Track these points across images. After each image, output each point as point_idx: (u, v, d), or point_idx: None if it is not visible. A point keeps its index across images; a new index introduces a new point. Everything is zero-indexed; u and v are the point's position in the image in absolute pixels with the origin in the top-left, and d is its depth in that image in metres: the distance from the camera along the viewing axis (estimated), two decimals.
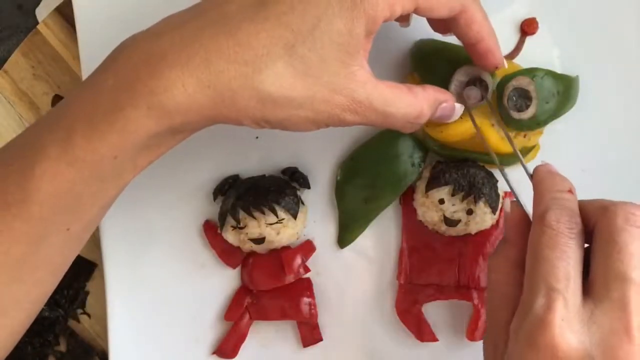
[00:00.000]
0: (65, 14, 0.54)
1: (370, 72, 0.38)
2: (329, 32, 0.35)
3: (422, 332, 0.49)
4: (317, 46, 0.35)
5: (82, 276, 0.53)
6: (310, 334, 0.50)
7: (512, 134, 0.47)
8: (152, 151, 0.38)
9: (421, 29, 0.49)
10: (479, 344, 0.49)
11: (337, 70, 0.36)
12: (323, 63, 0.36)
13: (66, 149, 0.36)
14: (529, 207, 0.43)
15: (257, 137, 0.50)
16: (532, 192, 0.43)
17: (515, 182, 0.49)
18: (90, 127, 0.36)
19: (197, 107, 0.35)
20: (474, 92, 0.45)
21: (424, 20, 0.49)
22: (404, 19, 0.43)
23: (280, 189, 0.48)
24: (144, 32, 0.38)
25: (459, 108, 0.44)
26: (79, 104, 0.37)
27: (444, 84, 0.46)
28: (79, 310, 0.53)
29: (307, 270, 0.50)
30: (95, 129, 0.35)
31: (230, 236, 0.49)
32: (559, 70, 0.48)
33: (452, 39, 0.49)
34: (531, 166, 0.48)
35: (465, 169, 0.47)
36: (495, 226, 0.48)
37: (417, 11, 0.39)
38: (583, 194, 0.49)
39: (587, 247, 0.37)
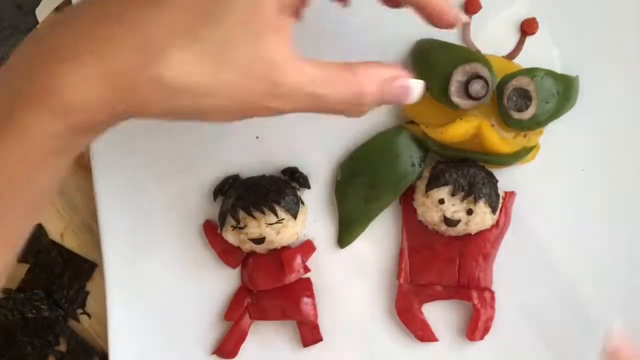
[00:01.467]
0: None
1: (293, 51, 0.34)
2: (231, 11, 0.32)
3: (422, 332, 0.49)
4: (221, 27, 0.32)
5: (82, 276, 0.53)
6: (310, 334, 0.50)
7: (512, 134, 0.47)
8: (63, 154, 0.34)
9: (421, 29, 0.49)
10: (479, 344, 0.49)
11: (247, 52, 0.33)
12: (229, 45, 0.33)
13: None
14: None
15: (257, 137, 0.50)
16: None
17: (516, 182, 0.49)
18: None
19: (97, 103, 0.33)
20: (476, 86, 0.45)
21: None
22: None
23: (280, 189, 0.48)
24: (47, 20, 0.35)
25: (418, 86, 0.39)
26: None
27: (445, 84, 0.46)
28: (79, 310, 0.53)
29: (307, 270, 0.50)
30: None
31: (230, 236, 0.49)
32: (559, 70, 0.48)
33: (452, 39, 0.49)
34: (532, 166, 0.49)
35: (465, 169, 0.47)
36: (495, 226, 0.48)
37: None
38: (583, 194, 0.49)
39: None
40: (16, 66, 0.34)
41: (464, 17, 0.38)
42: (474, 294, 0.49)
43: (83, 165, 0.52)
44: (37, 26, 0.35)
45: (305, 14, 0.50)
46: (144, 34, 0.32)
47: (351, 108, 0.37)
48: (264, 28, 0.33)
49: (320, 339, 0.50)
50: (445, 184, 0.47)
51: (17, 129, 0.32)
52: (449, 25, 0.40)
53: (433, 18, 0.39)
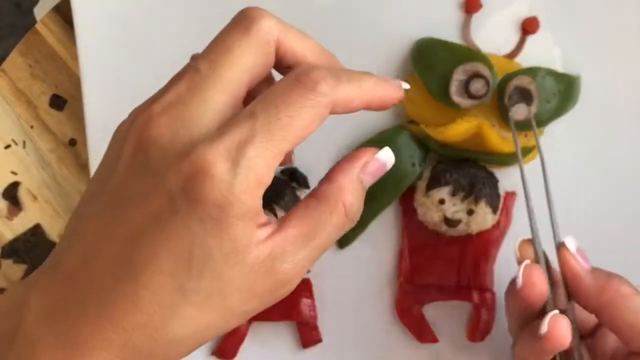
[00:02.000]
0: (63, 13, 0.54)
1: (268, 232, 0.33)
2: (206, 256, 0.31)
3: (422, 332, 0.49)
4: (204, 274, 0.31)
5: None
6: (310, 335, 0.50)
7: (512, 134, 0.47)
8: None
9: (421, 29, 0.49)
10: (480, 345, 0.49)
11: (238, 276, 0.32)
12: (220, 281, 0.32)
13: None
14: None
15: None
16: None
17: (517, 182, 0.49)
18: None
19: None
20: (477, 85, 0.45)
21: (424, 19, 0.49)
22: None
23: (279, 188, 0.48)
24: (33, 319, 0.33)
25: (389, 157, 0.37)
26: None
27: (445, 83, 0.46)
28: None
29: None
30: None
31: None
32: (560, 70, 0.48)
33: (452, 38, 0.49)
34: (531, 166, 0.48)
35: (465, 169, 0.47)
36: (496, 226, 0.48)
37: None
38: (583, 194, 0.49)
39: None
40: None
41: (405, 85, 0.37)
42: (475, 295, 0.49)
43: (82, 166, 0.52)
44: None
45: (306, 15, 0.50)
46: (136, 311, 0.31)
47: (348, 223, 0.35)
48: (245, 249, 0.32)
49: (320, 340, 0.50)
50: (446, 184, 0.47)
51: None
52: (397, 102, 0.38)
53: (382, 107, 0.37)
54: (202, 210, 0.31)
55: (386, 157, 0.36)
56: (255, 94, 0.33)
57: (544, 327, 0.38)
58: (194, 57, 0.34)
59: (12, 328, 0.32)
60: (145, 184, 0.32)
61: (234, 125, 0.32)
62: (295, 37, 0.35)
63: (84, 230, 0.33)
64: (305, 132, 0.33)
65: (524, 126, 0.46)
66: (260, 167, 0.31)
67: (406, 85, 0.37)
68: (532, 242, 0.41)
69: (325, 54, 0.36)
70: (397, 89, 0.36)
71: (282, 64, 0.35)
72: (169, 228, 0.31)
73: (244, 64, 0.33)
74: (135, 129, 0.33)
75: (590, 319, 0.42)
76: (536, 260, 0.41)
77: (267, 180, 0.32)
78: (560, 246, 0.41)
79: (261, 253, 0.32)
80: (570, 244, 0.41)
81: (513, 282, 0.41)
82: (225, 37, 0.34)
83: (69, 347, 0.31)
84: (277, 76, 0.35)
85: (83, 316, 0.31)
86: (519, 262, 0.41)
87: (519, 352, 0.41)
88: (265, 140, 0.31)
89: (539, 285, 0.39)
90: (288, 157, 0.38)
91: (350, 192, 0.35)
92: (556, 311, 0.39)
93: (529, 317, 0.41)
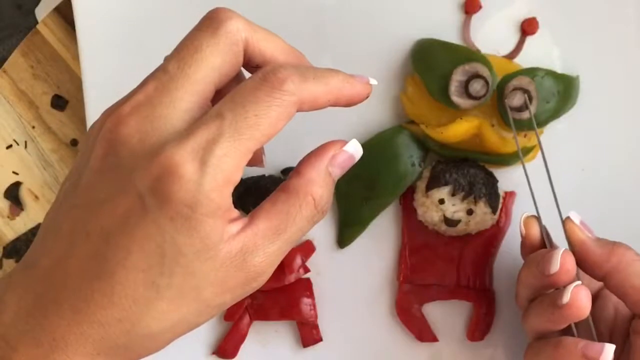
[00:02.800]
0: (64, 13, 0.54)
1: (239, 227, 0.33)
2: (178, 253, 0.32)
3: (422, 332, 0.49)
4: (177, 270, 0.32)
5: None
6: (310, 334, 0.50)
7: (512, 134, 0.47)
8: None
9: (421, 29, 0.49)
10: (480, 344, 0.49)
11: (210, 271, 0.32)
12: (192, 277, 0.32)
13: None
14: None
15: None
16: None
17: (516, 182, 0.49)
18: None
19: None
20: (476, 85, 0.45)
21: (424, 19, 0.49)
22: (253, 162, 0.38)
23: None
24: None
25: (357, 149, 0.37)
26: None
27: (445, 83, 0.46)
28: None
29: (307, 270, 0.50)
30: None
31: None
32: (559, 70, 0.48)
33: (452, 39, 0.49)
34: (531, 166, 0.48)
35: (465, 169, 0.47)
36: (495, 226, 0.48)
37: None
38: (583, 194, 0.49)
39: None
40: None
41: (372, 81, 0.37)
42: (474, 294, 0.49)
43: None
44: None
45: (305, 15, 0.50)
46: (112, 305, 0.32)
47: (319, 214, 0.35)
48: (213, 246, 0.32)
49: (320, 339, 0.50)
50: (446, 184, 0.47)
51: None
52: (365, 99, 0.38)
53: (350, 104, 0.37)
54: (172, 210, 0.31)
55: (354, 149, 0.37)
56: (225, 94, 0.34)
57: (566, 297, 0.39)
58: (166, 59, 0.34)
59: None
60: (115, 184, 0.32)
61: (201, 125, 0.32)
62: (264, 37, 0.35)
63: (59, 230, 0.33)
64: (273, 130, 0.33)
65: (523, 126, 0.46)
66: (228, 166, 0.32)
67: (373, 81, 0.37)
68: (536, 217, 0.44)
69: (294, 53, 0.37)
70: (364, 86, 0.37)
71: (251, 64, 0.35)
72: (141, 227, 0.31)
73: (211, 64, 0.34)
74: (105, 129, 0.33)
75: (590, 287, 0.43)
76: (541, 235, 0.43)
77: (236, 178, 0.33)
78: (566, 219, 0.43)
79: (232, 248, 0.33)
80: (575, 217, 0.43)
81: (533, 259, 0.42)
82: (193, 38, 0.34)
83: (46, 344, 0.32)
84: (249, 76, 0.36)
85: (59, 313, 0.32)
86: (523, 235, 0.44)
87: (532, 320, 0.42)
88: (233, 139, 0.32)
89: (572, 271, 0.41)
90: (259, 159, 0.39)
91: (319, 184, 0.35)
92: (578, 282, 0.40)
93: (544, 290, 0.42)
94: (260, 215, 0.34)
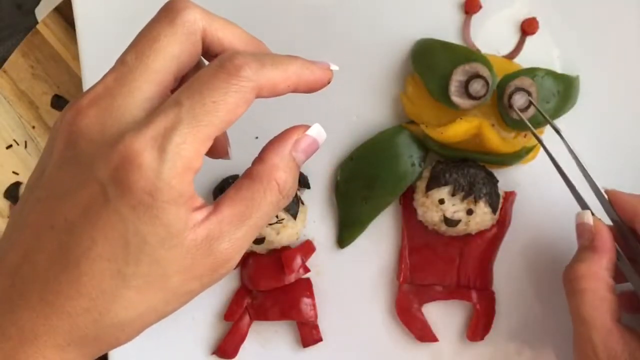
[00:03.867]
0: (64, 13, 0.54)
1: (204, 215, 0.33)
2: (142, 242, 0.32)
3: (422, 332, 0.49)
4: (142, 259, 0.32)
5: None
6: (310, 334, 0.50)
7: (512, 134, 0.47)
8: None
9: (421, 29, 0.49)
10: (479, 344, 0.49)
11: (176, 259, 0.33)
12: (158, 265, 0.32)
13: None
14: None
15: (256, 137, 0.50)
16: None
17: (516, 182, 0.49)
18: None
19: None
20: (476, 85, 0.45)
21: (424, 19, 0.49)
22: (216, 154, 0.39)
23: None
24: None
25: (320, 134, 0.37)
26: None
27: (445, 83, 0.46)
28: None
29: (307, 270, 0.50)
30: None
31: None
32: (559, 70, 0.48)
33: (452, 39, 0.49)
34: (532, 166, 0.48)
35: (465, 169, 0.47)
36: (495, 226, 0.48)
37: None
38: (583, 194, 0.49)
39: None
40: None
41: (333, 67, 0.37)
42: (474, 294, 0.49)
43: None
44: None
45: (305, 15, 0.50)
46: (79, 297, 0.32)
47: (283, 200, 0.35)
48: (177, 233, 0.32)
49: (320, 339, 0.50)
50: (446, 184, 0.47)
51: None
52: (326, 84, 0.38)
53: (310, 90, 0.37)
54: (133, 198, 0.31)
55: (317, 133, 0.36)
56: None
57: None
58: (124, 51, 0.35)
59: None
60: (77, 175, 0.32)
61: (160, 113, 0.32)
62: (222, 26, 0.35)
63: (24, 224, 0.33)
64: (232, 116, 0.33)
65: (524, 126, 0.46)
66: (187, 152, 0.32)
67: (334, 67, 0.37)
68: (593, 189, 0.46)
69: (253, 41, 0.37)
70: (324, 72, 0.36)
71: (210, 53, 0.36)
72: (103, 216, 0.32)
73: (170, 53, 0.34)
74: (65, 122, 0.33)
75: None
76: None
77: (197, 165, 0.33)
78: (606, 191, 0.45)
79: (198, 235, 0.33)
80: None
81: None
82: (150, 29, 0.34)
83: (16, 337, 0.32)
84: None
85: (28, 306, 0.32)
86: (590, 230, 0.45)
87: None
88: (191, 126, 0.32)
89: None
90: (224, 150, 0.39)
91: (282, 169, 0.35)
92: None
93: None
94: (224, 202, 0.34)
